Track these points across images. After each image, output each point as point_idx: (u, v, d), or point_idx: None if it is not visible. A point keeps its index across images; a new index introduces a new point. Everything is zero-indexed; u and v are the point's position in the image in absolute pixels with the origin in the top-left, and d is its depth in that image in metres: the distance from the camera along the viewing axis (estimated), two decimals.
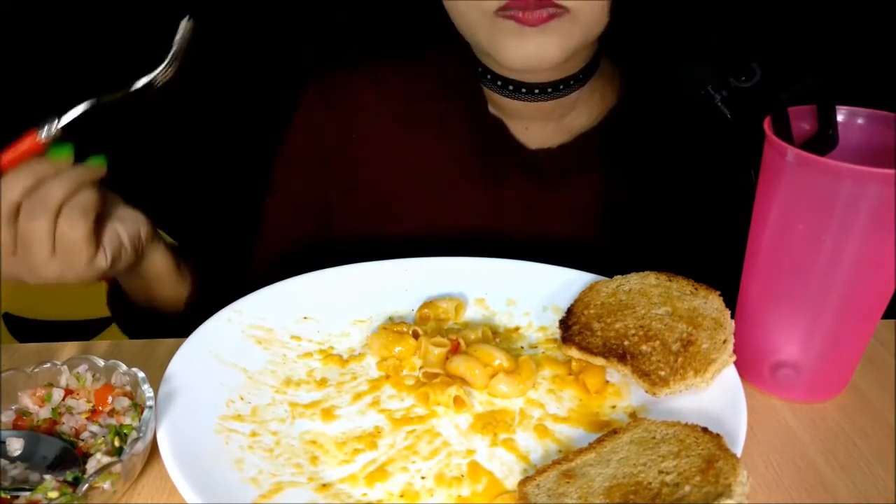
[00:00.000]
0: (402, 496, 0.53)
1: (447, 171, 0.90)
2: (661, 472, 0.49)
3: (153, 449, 0.54)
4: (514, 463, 0.56)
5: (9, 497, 0.49)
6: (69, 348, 0.71)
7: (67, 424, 0.55)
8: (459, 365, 0.63)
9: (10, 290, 1.55)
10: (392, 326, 0.69)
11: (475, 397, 0.63)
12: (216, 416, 0.58)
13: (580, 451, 0.53)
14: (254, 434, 0.58)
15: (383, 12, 1.34)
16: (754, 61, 0.71)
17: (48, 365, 0.58)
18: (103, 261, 0.67)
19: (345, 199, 0.93)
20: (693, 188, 0.88)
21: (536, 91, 0.84)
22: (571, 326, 0.66)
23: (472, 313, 0.74)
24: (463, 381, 0.63)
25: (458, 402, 0.61)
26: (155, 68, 0.66)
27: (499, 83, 0.86)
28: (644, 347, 0.62)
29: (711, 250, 0.79)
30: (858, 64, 1.12)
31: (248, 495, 0.51)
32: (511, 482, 0.54)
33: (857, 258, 0.56)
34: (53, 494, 0.48)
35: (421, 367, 0.66)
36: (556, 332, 0.68)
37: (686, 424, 0.53)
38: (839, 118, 0.60)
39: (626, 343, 0.63)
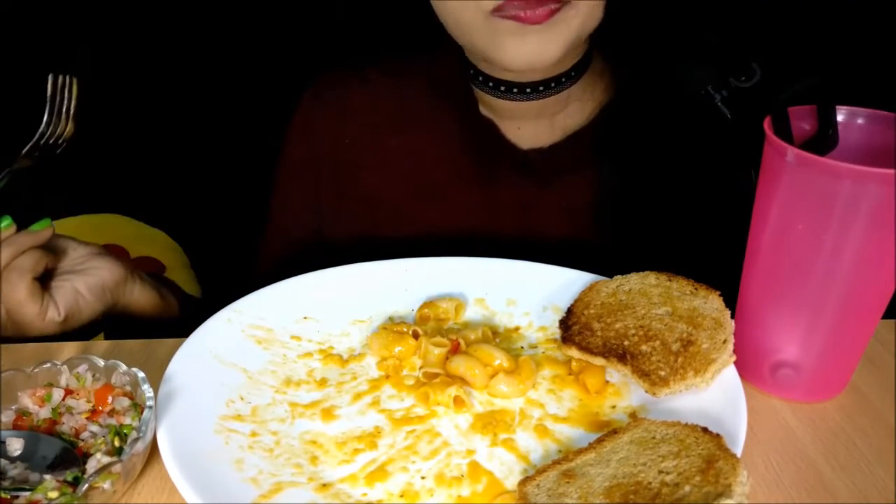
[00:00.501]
0: (402, 496, 0.53)
1: (440, 172, 0.90)
2: (661, 472, 0.49)
3: (153, 449, 0.54)
4: (514, 463, 0.56)
5: (9, 497, 0.49)
6: (69, 348, 0.71)
7: (67, 424, 0.55)
8: (459, 365, 0.63)
9: None
10: (392, 326, 0.69)
11: (475, 397, 0.63)
12: (216, 416, 0.58)
13: (580, 451, 0.53)
14: (254, 434, 0.58)
15: (375, 17, 1.34)
16: (754, 61, 0.71)
17: (48, 365, 0.58)
18: (55, 314, 0.72)
19: (338, 202, 0.94)
20: (691, 187, 0.88)
21: (528, 90, 0.84)
22: (571, 326, 0.66)
23: (472, 313, 0.74)
24: (463, 381, 0.63)
25: (458, 402, 0.61)
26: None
27: (490, 84, 0.86)
28: (644, 347, 0.62)
29: (711, 250, 0.79)
30: (858, 64, 1.12)
31: (248, 495, 0.51)
32: (511, 482, 0.54)
33: (857, 258, 0.56)
34: (53, 494, 0.48)
35: (421, 367, 0.66)
36: (556, 332, 0.68)
37: (686, 424, 0.53)
38: (839, 118, 0.60)
39: (626, 343, 0.63)
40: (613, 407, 0.61)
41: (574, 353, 0.64)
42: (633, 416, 0.60)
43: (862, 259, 0.56)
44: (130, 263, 0.80)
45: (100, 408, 0.57)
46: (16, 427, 0.55)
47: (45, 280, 0.73)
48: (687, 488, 0.47)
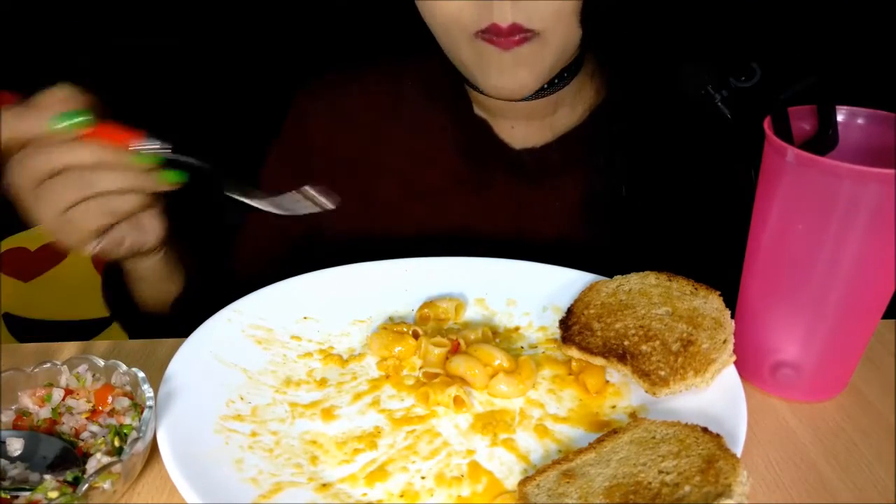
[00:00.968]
0: (402, 496, 0.53)
1: (434, 172, 0.90)
2: (661, 471, 0.49)
3: (153, 449, 0.54)
4: (514, 463, 0.56)
5: (9, 497, 0.49)
6: (69, 348, 0.72)
7: (67, 424, 0.55)
8: (459, 365, 0.63)
9: (11, 290, 1.55)
10: (392, 326, 0.69)
11: (475, 397, 0.62)
12: (216, 416, 0.58)
13: (580, 451, 0.53)
14: (254, 434, 0.58)
15: (371, 19, 1.35)
16: (754, 61, 0.71)
17: (48, 365, 0.58)
18: (90, 250, 0.69)
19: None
20: (689, 187, 0.88)
21: None
22: (571, 326, 0.66)
23: (472, 313, 0.74)
24: (463, 381, 0.63)
25: (458, 402, 0.61)
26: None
27: None
28: (644, 347, 0.62)
29: (711, 250, 0.79)
30: (858, 64, 1.12)
31: (248, 495, 0.51)
32: (511, 482, 0.54)
33: (857, 258, 0.56)
34: (53, 494, 0.48)
35: (421, 367, 0.66)
36: (556, 332, 0.68)
37: (686, 424, 0.53)
38: (839, 118, 0.60)
39: (626, 343, 0.63)
40: (613, 407, 0.61)
41: (574, 353, 0.64)
42: (633, 416, 0.60)
43: (862, 259, 0.56)
44: (168, 233, 0.78)
45: (100, 408, 0.57)
46: (16, 427, 0.55)
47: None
48: (687, 488, 0.47)
